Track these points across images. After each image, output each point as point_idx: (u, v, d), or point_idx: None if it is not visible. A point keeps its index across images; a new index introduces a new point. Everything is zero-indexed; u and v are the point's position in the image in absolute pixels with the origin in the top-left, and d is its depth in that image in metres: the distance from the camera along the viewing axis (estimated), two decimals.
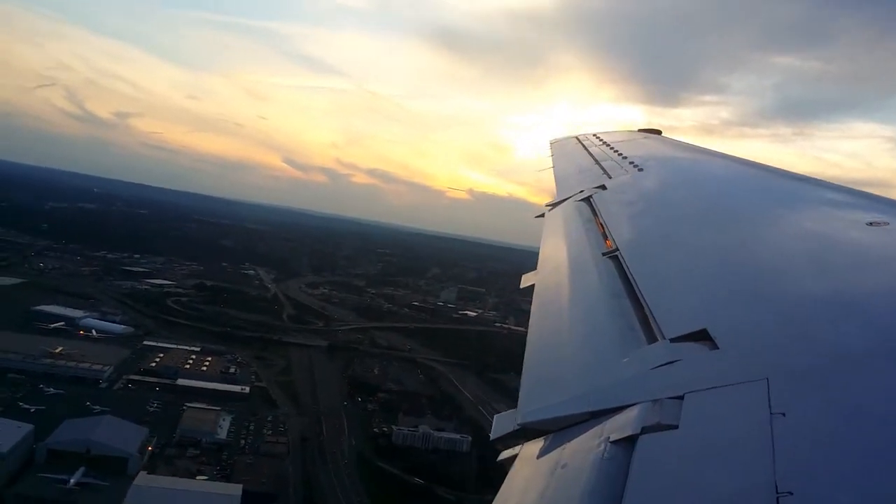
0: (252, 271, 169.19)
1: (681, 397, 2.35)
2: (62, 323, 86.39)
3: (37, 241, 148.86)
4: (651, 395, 2.47)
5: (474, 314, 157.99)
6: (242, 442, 63.56)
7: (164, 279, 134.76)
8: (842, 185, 5.46)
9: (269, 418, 70.45)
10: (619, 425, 2.35)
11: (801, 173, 6.10)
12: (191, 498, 45.79)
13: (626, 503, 1.92)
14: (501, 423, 3.09)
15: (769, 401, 2.13)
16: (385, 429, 72.26)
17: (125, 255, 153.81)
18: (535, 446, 2.77)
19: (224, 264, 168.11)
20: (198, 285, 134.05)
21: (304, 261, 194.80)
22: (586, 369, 3.26)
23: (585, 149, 10.69)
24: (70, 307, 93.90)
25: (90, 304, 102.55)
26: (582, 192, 7.33)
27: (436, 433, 71.00)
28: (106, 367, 73.30)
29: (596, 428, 2.49)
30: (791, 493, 1.70)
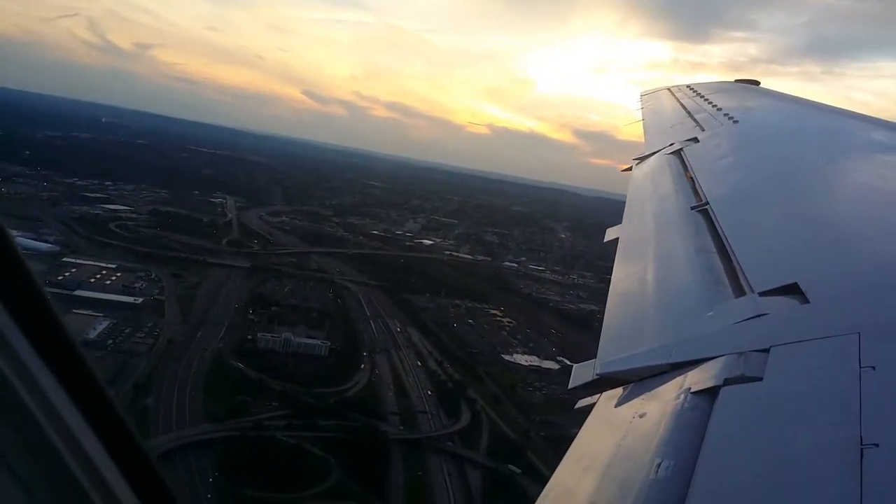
0: (221, 200, 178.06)
1: (767, 350, 2.37)
2: None
3: (11, 167, 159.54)
4: (736, 348, 2.48)
5: (430, 243, 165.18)
6: (109, 342, 73.26)
7: (122, 205, 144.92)
8: None
9: (148, 324, 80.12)
10: (701, 377, 2.38)
11: None
12: None
13: (704, 452, 1.94)
14: (579, 373, 3.18)
15: (859, 354, 2.13)
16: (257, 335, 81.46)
17: (95, 182, 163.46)
18: (612, 396, 2.83)
19: (196, 192, 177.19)
20: (152, 211, 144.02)
21: (280, 191, 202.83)
22: (669, 322, 3.32)
23: (678, 100, 10.67)
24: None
25: (35, 227, 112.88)
26: (672, 144, 7.36)
27: (295, 339, 79.90)
28: None
29: (676, 379, 2.51)
30: (877, 445, 1.70)
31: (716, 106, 8.97)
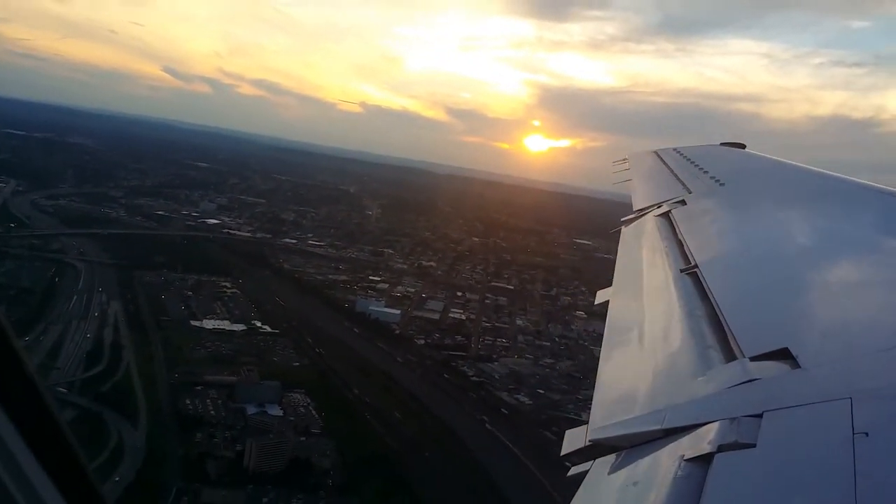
0: (1, 184, 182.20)
1: (759, 416, 2.46)
2: None
3: None
4: (728, 413, 2.58)
5: (215, 222, 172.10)
6: None
7: None
8: None
9: None
10: (695, 443, 2.48)
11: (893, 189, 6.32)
12: None
13: None
14: (572, 439, 3.33)
15: (852, 420, 2.21)
16: None
17: None
18: (605, 462, 2.93)
19: None
20: None
21: (74, 173, 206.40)
22: (661, 387, 3.44)
23: (664, 163, 11.38)
24: None
25: None
26: (660, 206, 7.92)
27: None
28: None
29: (670, 445, 2.62)
30: None
31: (702, 168, 9.66)
